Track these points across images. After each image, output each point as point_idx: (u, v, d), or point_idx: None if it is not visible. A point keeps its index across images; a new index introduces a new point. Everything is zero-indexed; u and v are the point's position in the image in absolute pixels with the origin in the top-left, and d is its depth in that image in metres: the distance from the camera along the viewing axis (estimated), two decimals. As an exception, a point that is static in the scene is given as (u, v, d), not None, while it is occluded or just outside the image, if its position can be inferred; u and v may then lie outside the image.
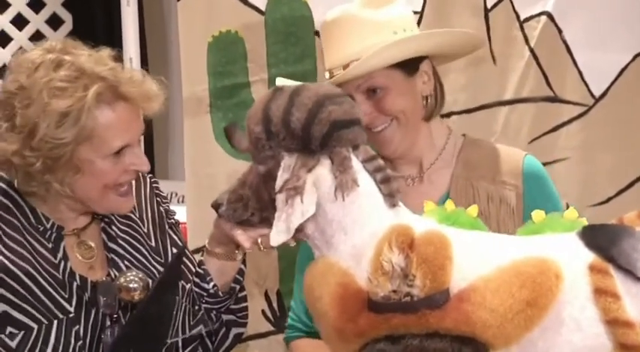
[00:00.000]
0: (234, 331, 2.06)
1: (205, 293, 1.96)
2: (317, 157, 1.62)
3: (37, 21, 3.89)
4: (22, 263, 1.88)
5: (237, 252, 1.94)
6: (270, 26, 2.74)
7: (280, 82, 2.20)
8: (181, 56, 2.79)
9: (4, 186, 1.96)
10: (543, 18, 2.78)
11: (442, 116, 2.80)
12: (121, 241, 2.01)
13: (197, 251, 2.48)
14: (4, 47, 3.77)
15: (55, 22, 3.93)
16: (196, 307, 1.96)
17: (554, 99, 2.84)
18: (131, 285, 1.90)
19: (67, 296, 1.90)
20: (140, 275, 1.92)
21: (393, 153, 2.15)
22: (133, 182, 2.01)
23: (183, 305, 1.93)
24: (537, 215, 1.70)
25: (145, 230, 2.06)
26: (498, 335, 1.52)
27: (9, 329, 1.86)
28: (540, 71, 2.81)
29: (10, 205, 1.93)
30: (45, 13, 3.92)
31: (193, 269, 2.05)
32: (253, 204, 1.73)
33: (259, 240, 1.85)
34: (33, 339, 1.86)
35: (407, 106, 2.13)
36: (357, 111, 1.67)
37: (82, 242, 1.98)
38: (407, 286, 1.54)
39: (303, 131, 1.61)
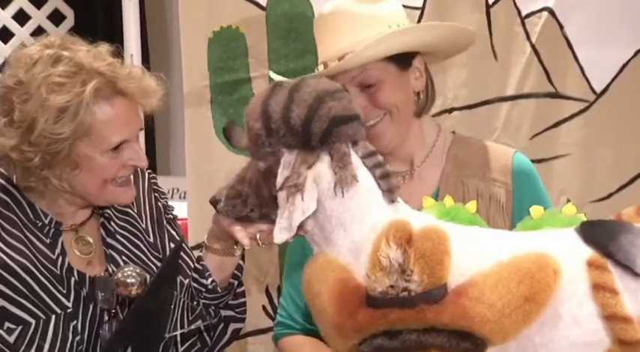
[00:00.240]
0: (233, 326, 2.06)
1: (204, 289, 1.96)
2: (317, 153, 1.62)
3: (38, 17, 3.90)
4: (20, 258, 1.88)
5: (235, 247, 1.94)
6: (271, 22, 2.74)
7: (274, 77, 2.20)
8: (182, 52, 2.78)
9: (2, 181, 1.96)
10: (545, 14, 2.78)
11: (443, 112, 2.81)
12: (119, 237, 2.01)
13: (198, 247, 2.48)
14: (5, 43, 3.78)
15: (56, 17, 3.93)
16: (195, 302, 1.96)
17: (556, 95, 2.84)
18: (128, 280, 1.90)
19: (64, 291, 1.90)
20: (137, 271, 1.92)
21: (385, 148, 2.14)
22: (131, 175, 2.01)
23: (182, 300, 1.93)
24: (536, 210, 1.70)
25: (144, 225, 2.06)
26: (496, 330, 1.52)
27: (7, 324, 1.86)
28: (542, 67, 2.81)
29: (9, 201, 1.94)
30: (47, 9, 3.92)
31: (192, 265, 2.05)
32: (253, 200, 1.73)
33: (258, 236, 1.84)
34: (31, 334, 1.87)
35: (400, 100, 2.13)
36: (356, 107, 1.67)
37: (81, 237, 1.99)
38: (404, 281, 1.54)
39: (303, 127, 1.60)
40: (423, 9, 2.77)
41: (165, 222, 2.11)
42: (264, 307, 2.85)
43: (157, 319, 1.85)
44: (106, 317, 1.93)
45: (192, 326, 1.95)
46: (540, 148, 2.80)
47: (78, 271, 1.93)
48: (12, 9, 3.86)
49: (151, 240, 2.06)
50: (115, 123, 1.88)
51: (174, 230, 2.12)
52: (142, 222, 2.06)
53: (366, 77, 2.09)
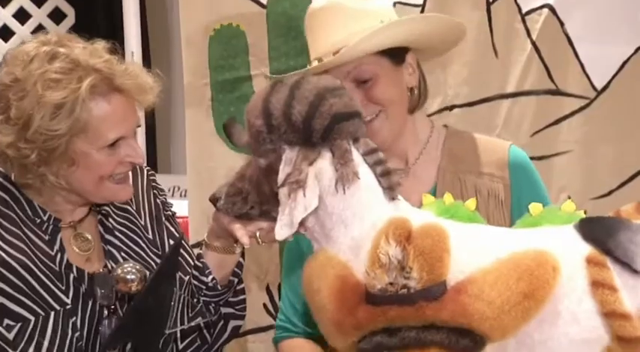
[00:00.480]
0: (233, 323, 2.07)
1: (204, 287, 1.96)
2: (318, 150, 1.62)
3: (39, 15, 3.90)
4: (18, 255, 1.88)
5: (235, 245, 1.94)
6: (272, 20, 2.74)
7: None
8: (183, 50, 2.79)
9: (0, 179, 1.96)
10: (545, 11, 2.78)
11: (444, 109, 2.81)
12: (117, 233, 2.02)
13: (198, 245, 2.49)
14: (6, 41, 3.77)
15: (57, 16, 3.93)
16: (195, 300, 1.96)
17: (556, 92, 2.83)
18: (128, 276, 1.90)
19: (63, 288, 1.91)
20: (137, 267, 1.92)
21: (381, 145, 2.10)
22: (130, 172, 2.01)
23: (182, 296, 1.93)
24: (535, 207, 1.70)
25: (142, 222, 2.06)
26: (495, 327, 1.52)
27: (6, 321, 1.86)
28: (542, 64, 2.81)
29: (7, 198, 1.94)
30: (47, 7, 3.92)
31: (191, 262, 2.05)
32: (253, 197, 1.73)
33: (257, 234, 1.84)
34: (30, 331, 1.87)
35: (395, 96, 2.12)
36: (357, 104, 1.67)
37: (79, 234, 1.99)
38: (404, 278, 1.54)
39: (304, 124, 1.60)
40: (423, 6, 2.77)
41: (164, 218, 2.11)
42: (264, 305, 2.85)
43: (156, 315, 1.85)
44: (106, 314, 1.93)
45: (192, 323, 1.96)
46: (541, 145, 2.80)
47: (77, 267, 1.93)
48: (13, 7, 3.86)
49: (150, 236, 2.06)
50: (111, 120, 1.88)
51: (173, 226, 2.12)
52: (141, 218, 2.07)
53: (361, 72, 2.08)
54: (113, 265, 1.96)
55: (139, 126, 1.99)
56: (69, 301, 1.90)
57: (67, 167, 1.89)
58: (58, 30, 3.75)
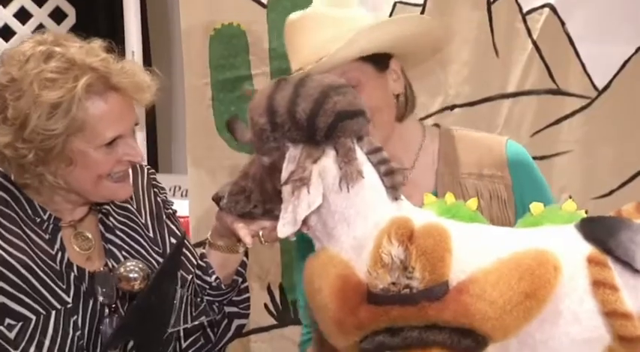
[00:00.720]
0: (237, 322, 2.06)
1: (208, 286, 1.96)
2: (322, 148, 1.61)
3: (40, 15, 3.89)
4: (19, 254, 1.88)
5: (238, 245, 1.94)
6: (272, 19, 2.74)
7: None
8: (183, 49, 2.79)
9: (0, 178, 1.96)
10: (546, 10, 2.78)
11: (445, 109, 2.81)
12: (118, 232, 2.02)
13: (200, 244, 2.49)
14: (6, 41, 3.77)
15: (58, 15, 3.93)
16: (198, 299, 1.96)
17: (557, 92, 2.84)
18: (131, 275, 1.90)
19: (64, 286, 1.91)
20: (140, 265, 1.92)
21: None
22: (130, 170, 2.01)
23: (185, 295, 1.93)
24: (536, 207, 1.70)
25: (143, 221, 2.06)
26: (497, 327, 1.51)
27: (7, 320, 1.86)
28: (543, 64, 2.81)
29: (7, 198, 1.94)
30: (48, 7, 3.91)
31: (194, 261, 2.05)
32: (256, 196, 1.72)
33: (260, 233, 1.84)
34: (31, 330, 1.87)
35: (381, 102, 2.06)
36: (361, 102, 1.67)
37: (80, 233, 1.99)
38: (406, 278, 1.53)
39: (308, 121, 1.60)
40: (423, 6, 2.77)
41: (164, 216, 2.11)
42: (265, 305, 2.86)
43: (158, 314, 1.85)
44: (107, 312, 1.93)
45: (196, 322, 1.95)
46: (541, 145, 2.80)
47: (77, 266, 1.93)
48: (13, 7, 3.85)
49: (151, 234, 2.06)
50: (108, 119, 1.88)
51: (174, 224, 2.12)
52: (142, 217, 2.07)
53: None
54: (114, 264, 1.96)
55: (137, 124, 1.98)
56: (70, 300, 1.91)
57: (65, 166, 1.89)
58: (58, 30, 3.75)
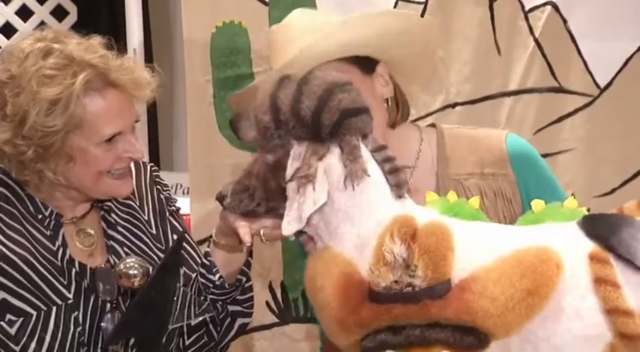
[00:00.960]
0: (240, 321, 2.06)
1: (211, 285, 1.96)
2: (327, 145, 1.61)
3: (41, 12, 3.89)
4: (20, 250, 1.88)
5: (242, 244, 1.93)
6: (274, 17, 2.74)
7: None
8: (185, 47, 2.79)
9: (1, 175, 1.96)
10: (548, 8, 2.78)
11: (447, 107, 2.81)
12: (120, 228, 2.01)
13: (201, 242, 2.49)
14: (8, 38, 3.77)
15: (59, 13, 3.93)
16: (202, 297, 1.96)
17: (559, 90, 2.84)
18: (131, 271, 1.89)
19: (65, 282, 1.90)
20: (140, 262, 1.91)
21: None
22: (132, 167, 2.01)
23: (188, 293, 1.92)
24: (537, 204, 1.70)
25: (146, 217, 2.06)
26: (499, 325, 1.51)
27: (8, 316, 1.86)
28: (545, 61, 2.81)
29: (8, 194, 1.94)
30: (49, 5, 3.92)
31: (197, 259, 2.05)
32: (260, 194, 1.72)
33: (262, 232, 1.84)
34: (32, 326, 1.87)
35: (370, 106, 1.92)
36: (364, 100, 1.67)
37: (82, 230, 1.99)
38: (409, 276, 1.53)
39: (313, 119, 1.60)
40: (425, 3, 2.77)
41: (167, 213, 2.11)
42: (267, 303, 2.86)
43: (159, 310, 1.85)
44: (108, 308, 1.93)
45: (198, 319, 1.95)
46: (544, 143, 2.80)
47: (79, 262, 1.93)
48: (15, 4, 3.85)
49: (154, 231, 2.06)
50: (107, 115, 1.88)
51: (177, 222, 2.11)
52: (144, 213, 2.06)
53: None
54: (116, 260, 1.96)
55: (138, 121, 1.98)
56: (71, 296, 1.90)
57: (64, 163, 1.89)
58: (60, 27, 3.75)
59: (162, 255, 2.02)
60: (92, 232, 2.00)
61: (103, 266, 1.96)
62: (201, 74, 2.76)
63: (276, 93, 1.63)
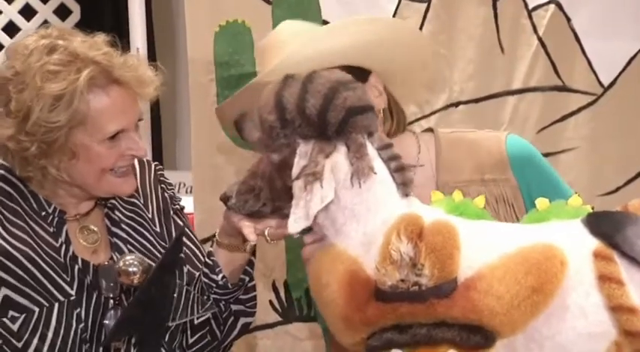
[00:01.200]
0: (242, 321, 2.06)
1: (214, 285, 1.96)
2: (333, 143, 1.61)
3: (45, 11, 3.90)
4: (23, 247, 1.88)
5: (246, 243, 1.93)
6: (277, 16, 2.74)
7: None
8: (188, 46, 2.78)
9: (5, 173, 1.96)
10: (552, 6, 2.78)
11: (450, 106, 2.81)
12: (124, 226, 2.01)
13: (204, 241, 2.49)
14: (11, 37, 3.77)
15: (63, 12, 3.93)
16: (205, 297, 1.96)
17: (563, 89, 2.84)
18: (130, 269, 1.88)
19: (68, 279, 1.90)
20: (140, 259, 1.90)
21: None
22: (137, 165, 2.01)
23: (191, 291, 1.92)
24: (541, 203, 1.69)
25: (150, 215, 2.06)
26: (505, 322, 1.51)
27: (10, 312, 1.86)
28: (549, 60, 2.81)
29: (12, 191, 1.94)
30: (53, 4, 3.92)
31: (201, 257, 2.05)
32: (266, 194, 1.72)
33: (266, 232, 1.84)
34: (34, 322, 1.87)
35: None
36: (369, 98, 1.68)
37: (85, 227, 1.99)
38: (415, 275, 1.53)
39: (319, 117, 1.60)
40: (429, 3, 2.77)
41: (171, 212, 2.11)
42: (270, 302, 2.86)
43: (159, 306, 1.84)
44: (111, 305, 1.93)
45: (202, 316, 1.95)
46: (547, 142, 2.80)
47: (82, 259, 1.93)
48: (18, 4, 3.86)
49: (158, 229, 2.06)
50: (110, 112, 1.88)
51: (181, 220, 2.12)
52: (148, 211, 2.06)
53: None
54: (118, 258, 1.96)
55: (141, 119, 1.98)
56: (73, 292, 1.90)
57: (67, 160, 1.89)
58: (63, 26, 3.74)
59: (165, 253, 2.02)
60: (96, 229, 2.00)
61: (106, 263, 1.96)
62: (204, 73, 2.76)
63: (281, 92, 1.63)
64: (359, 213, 1.61)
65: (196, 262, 2.05)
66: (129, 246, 1.99)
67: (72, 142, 1.87)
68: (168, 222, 2.09)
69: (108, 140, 1.90)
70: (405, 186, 1.63)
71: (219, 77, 2.76)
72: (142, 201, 2.07)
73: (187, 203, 2.36)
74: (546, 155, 2.72)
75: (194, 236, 2.14)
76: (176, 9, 3.91)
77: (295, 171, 1.61)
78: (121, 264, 1.90)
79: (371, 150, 1.62)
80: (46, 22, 3.84)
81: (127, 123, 1.92)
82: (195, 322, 2.02)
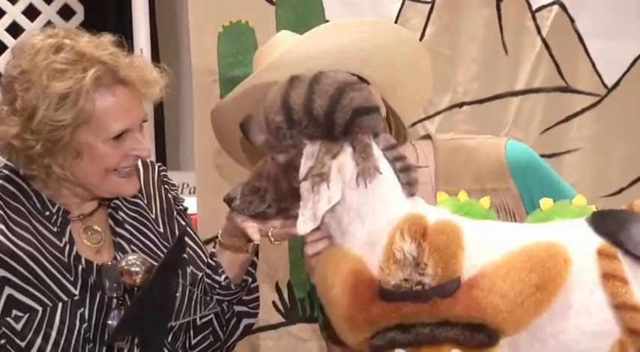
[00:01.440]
0: (245, 321, 2.06)
1: (217, 286, 1.96)
2: (340, 144, 1.62)
3: (48, 12, 3.90)
4: (27, 246, 1.88)
5: (249, 244, 1.93)
6: (281, 16, 2.74)
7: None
8: (192, 47, 2.78)
9: (9, 173, 1.96)
10: (555, 7, 2.78)
11: (454, 107, 2.80)
12: (128, 226, 2.01)
13: (208, 242, 2.48)
14: (15, 38, 3.77)
15: (66, 12, 3.93)
16: (208, 298, 1.96)
17: (567, 90, 2.84)
18: (132, 269, 1.88)
19: (72, 279, 1.91)
20: (142, 259, 1.90)
21: None
22: (141, 166, 2.01)
23: (194, 291, 1.92)
24: (545, 203, 1.69)
25: (153, 216, 2.06)
26: (509, 321, 1.51)
27: (14, 311, 1.86)
28: (552, 61, 2.81)
29: (16, 191, 1.94)
30: (56, 4, 3.92)
31: (204, 257, 2.05)
32: (271, 195, 1.73)
33: (270, 232, 1.84)
34: (38, 321, 1.87)
35: None
36: (375, 99, 1.68)
37: (89, 227, 1.99)
38: (418, 274, 1.53)
39: (325, 118, 1.61)
40: (432, 4, 2.76)
41: (175, 213, 2.11)
42: (274, 303, 2.86)
43: (161, 306, 1.84)
44: (114, 305, 1.93)
45: (200, 315, 1.94)
46: (551, 143, 2.80)
47: (85, 259, 1.93)
48: (22, 4, 3.86)
49: (161, 230, 2.06)
50: (115, 112, 1.88)
51: (184, 221, 2.12)
52: (152, 212, 2.07)
53: None
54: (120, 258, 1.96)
55: (146, 120, 1.98)
56: (77, 292, 1.90)
57: (72, 159, 1.89)
58: (67, 27, 3.76)
59: (169, 254, 2.02)
60: (99, 229, 2.00)
61: (109, 263, 1.96)
62: (207, 74, 2.76)
63: (288, 93, 1.64)
64: (364, 213, 1.62)
65: (199, 263, 2.05)
66: (132, 246, 2.00)
67: (76, 141, 1.88)
68: (172, 222, 2.09)
69: (112, 140, 1.90)
70: (410, 186, 1.64)
71: (222, 78, 2.76)
72: (145, 202, 2.07)
73: (191, 204, 2.36)
74: (550, 156, 2.73)
75: (197, 236, 2.14)
76: (179, 10, 3.92)
77: (302, 172, 1.61)
78: (124, 263, 1.90)
79: (376, 151, 1.63)
80: (49, 22, 3.84)
81: (132, 123, 1.92)
82: (198, 322, 2.02)
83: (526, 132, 2.80)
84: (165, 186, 2.13)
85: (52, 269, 1.89)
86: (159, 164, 2.17)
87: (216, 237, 1.99)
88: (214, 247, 2.00)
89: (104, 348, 1.92)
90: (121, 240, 2.00)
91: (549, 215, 1.67)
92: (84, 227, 1.98)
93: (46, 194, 1.95)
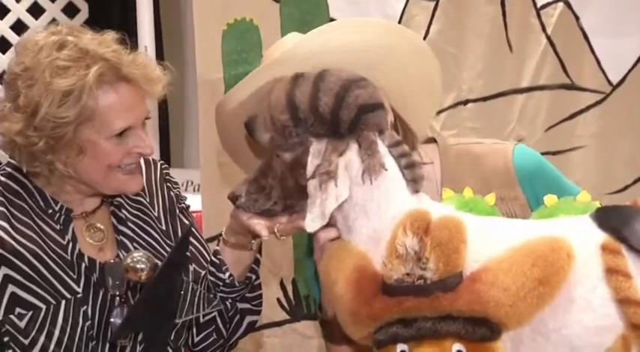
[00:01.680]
0: (249, 319, 2.06)
1: (221, 283, 1.96)
2: (346, 141, 1.62)
3: (52, 10, 3.90)
4: (30, 244, 1.88)
5: (253, 242, 1.93)
6: (285, 14, 2.74)
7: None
8: (196, 44, 2.78)
9: (12, 170, 1.97)
10: (560, 5, 2.78)
11: (459, 104, 2.80)
12: (130, 224, 2.02)
13: (212, 239, 2.49)
14: (19, 36, 3.78)
15: (71, 10, 3.94)
16: (211, 295, 1.96)
17: (571, 87, 2.83)
18: (138, 266, 1.89)
19: (75, 276, 1.91)
20: (147, 256, 1.91)
21: None
22: (143, 165, 2.01)
23: (197, 289, 1.92)
24: (550, 199, 1.69)
25: (156, 214, 2.06)
26: (511, 314, 1.51)
27: (18, 309, 1.87)
28: (557, 58, 2.81)
29: (19, 189, 1.94)
30: (61, 2, 3.92)
31: (207, 255, 2.05)
32: (277, 193, 1.73)
33: (276, 229, 1.84)
34: (41, 319, 1.87)
35: None
36: (380, 96, 1.68)
37: (92, 225, 1.99)
38: (420, 269, 1.54)
39: (331, 115, 1.61)
40: (437, 1, 2.76)
41: (177, 211, 2.11)
42: (278, 300, 2.86)
43: (166, 304, 1.85)
44: (117, 303, 1.93)
45: (204, 312, 1.95)
46: (556, 140, 2.80)
47: (88, 257, 1.93)
48: (26, 2, 3.86)
49: (164, 227, 2.06)
50: (118, 109, 1.88)
51: (187, 219, 2.12)
52: (154, 210, 2.07)
53: None
54: (125, 255, 1.96)
55: (149, 117, 1.98)
56: (80, 290, 1.91)
57: (75, 155, 1.89)
58: (71, 25, 3.76)
59: (171, 251, 2.02)
60: (102, 227, 2.00)
61: (112, 261, 1.96)
62: (212, 71, 2.76)
63: (293, 91, 1.64)
64: (370, 210, 1.62)
65: (202, 261, 2.06)
66: (135, 244, 2.00)
67: (79, 138, 1.88)
68: (174, 220, 2.09)
69: (115, 137, 1.90)
70: (415, 183, 1.64)
71: (227, 75, 2.76)
72: (147, 200, 2.07)
73: (195, 201, 2.36)
74: (554, 153, 2.73)
75: (200, 234, 2.15)
76: (184, 7, 3.92)
77: (309, 170, 1.62)
78: (129, 260, 1.90)
79: (382, 147, 1.64)
80: (54, 20, 3.84)
81: (135, 120, 1.92)
82: (201, 320, 2.02)
83: (531, 129, 2.80)
84: (168, 184, 2.13)
85: (55, 267, 1.90)
86: (161, 162, 2.17)
87: (221, 234, 1.99)
88: (217, 245, 2.01)
89: (107, 346, 1.92)
90: (123, 238, 2.00)
91: (553, 211, 1.68)
92: (86, 225, 1.98)
93: (49, 191, 1.95)
